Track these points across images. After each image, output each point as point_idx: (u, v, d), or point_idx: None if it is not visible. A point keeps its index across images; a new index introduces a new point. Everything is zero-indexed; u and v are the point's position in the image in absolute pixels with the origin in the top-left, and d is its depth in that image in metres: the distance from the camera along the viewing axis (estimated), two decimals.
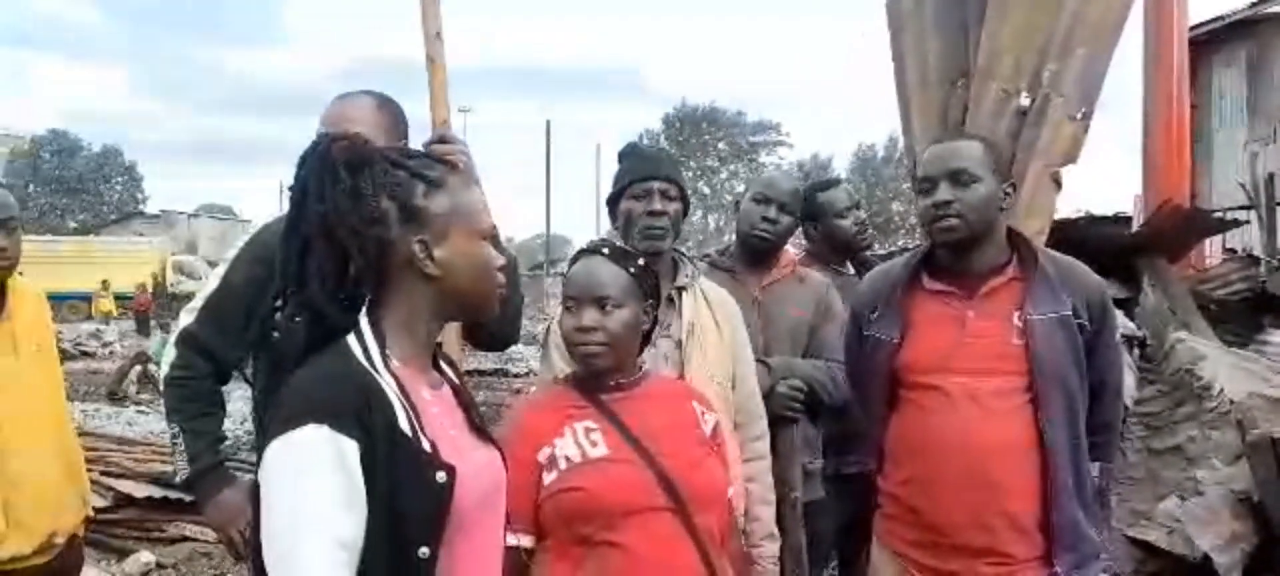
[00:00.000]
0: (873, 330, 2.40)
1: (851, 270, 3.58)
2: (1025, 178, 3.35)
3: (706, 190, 66.20)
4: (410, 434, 1.36)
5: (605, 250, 2.08)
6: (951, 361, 2.24)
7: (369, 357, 1.39)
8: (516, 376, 14.02)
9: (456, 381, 1.61)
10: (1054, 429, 2.17)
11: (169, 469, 6.35)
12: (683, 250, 2.61)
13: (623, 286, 2.02)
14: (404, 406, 1.38)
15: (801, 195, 3.21)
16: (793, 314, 2.96)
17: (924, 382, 2.28)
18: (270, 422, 1.35)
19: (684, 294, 2.48)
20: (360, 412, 1.32)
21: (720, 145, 66.53)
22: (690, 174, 65.40)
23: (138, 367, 13.20)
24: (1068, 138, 3.42)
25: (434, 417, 1.44)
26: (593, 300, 2.00)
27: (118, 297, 27.31)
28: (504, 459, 1.62)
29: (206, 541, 5.78)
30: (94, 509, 5.58)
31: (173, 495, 6.07)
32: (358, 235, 1.40)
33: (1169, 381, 4.97)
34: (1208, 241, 8.06)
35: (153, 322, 23.65)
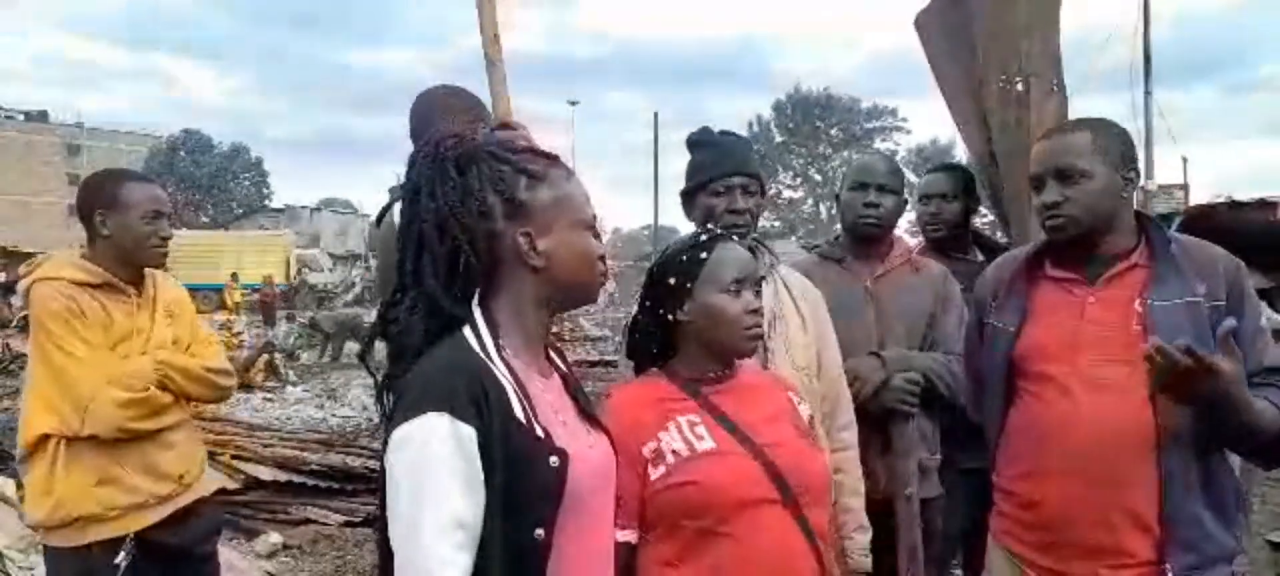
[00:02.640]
0: (993, 318, 2.32)
1: (980, 257, 3.43)
2: (1029, 161, 3.45)
3: (818, 177, 65.35)
4: (524, 420, 1.42)
5: (734, 237, 2.07)
6: (1069, 350, 2.14)
7: (484, 347, 1.45)
8: (610, 364, 14.09)
9: (566, 370, 1.66)
10: (1175, 419, 2.03)
11: (295, 454, 6.65)
12: (761, 238, 2.57)
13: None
14: (518, 394, 1.43)
15: (902, 174, 3.13)
16: (908, 305, 2.88)
17: (1041, 372, 2.19)
18: (394, 410, 1.43)
19: (763, 284, 2.43)
20: (477, 400, 1.38)
21: (833, 132, 65.46)
22: (801, 160, 64.74)
23: (264, 357, 13.79)
24: (1051, 113, 3.53)
25: (546, 404, 1.50)
26: (753, 282, 2.00)
27: (246, 288, 28.55)
28: (614, 445, 1.65)
29: (329, 525, 6.02)
30: (225, 491, 5.95)
31: (297, 479, 6.33)
32: (468, 230, 1.47)
33: None
34: None
35: (279, 314, 24.64)
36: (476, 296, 1.50)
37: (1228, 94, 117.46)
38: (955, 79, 3.80)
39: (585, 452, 1.51)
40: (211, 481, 3.02)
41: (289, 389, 13.15)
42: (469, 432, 1.36)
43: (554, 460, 1.42)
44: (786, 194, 65.01)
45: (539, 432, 1.43)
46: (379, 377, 1.54)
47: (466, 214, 1.47)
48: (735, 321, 1.97)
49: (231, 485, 6.16)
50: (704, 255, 2.01)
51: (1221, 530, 2.08)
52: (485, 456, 1.37)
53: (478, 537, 1.36)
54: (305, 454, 6.70)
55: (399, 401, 1.43)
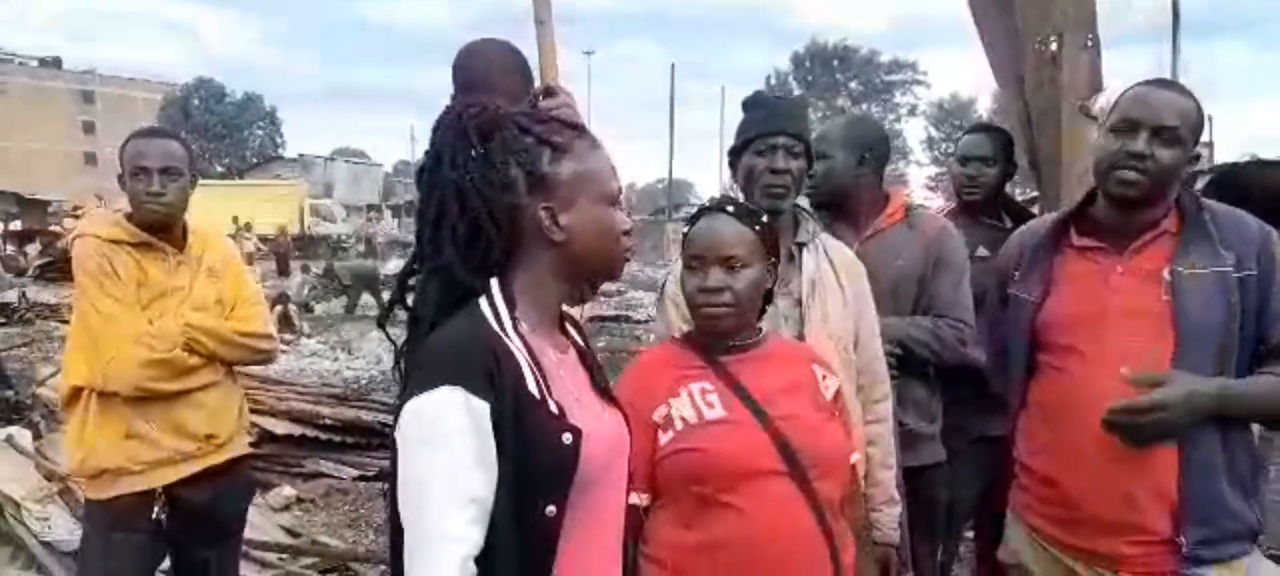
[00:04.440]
0: (1015, 288, 2.27)
1: (1008, 223, 3.34)
2: (1060, 120, 3.56)
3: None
4: (538, 396, 1.40)
5: (730, 208, 2.01)
6: (1094, 322, 2.09)
7: (500, 321, 1.43)
8: (637, 322, 14.12)
9: (582, 344, 1.63)
10: None
11: (309, 408, 6.66)
12: (804, 206, 2.50)
13: (749, 245, 1.96)
14: (532, 369, 1.41)
15: (855, 133, 2.98)
16: (896, 265, 2.77)
17: (1063, 344, 2.14)
18: (406, 383, 1.41)
19: (804, 251, 2.38)
20: (491, 375, 1.36)
21: (852, 84, 64.82)
22: (819, 115, 64.25)
23: (278, 308, 13.79)
24: (1084, 68, 3.56)
25: (561, 380, 1.47)
26: (719, 260, 1.95)
27: (260, 238, 28.65)
28: (628, 421, 1.62)
29: (342, 478, 6.04)
30: None
31: (310, 433, 6.35)
32: (488, 201, 1.43)
33: None
34: None
35: (293, 264, 24.71)
36: (495, 268, 1.47)
37: (1257, 50, 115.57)
38: (999, 41, 3.78)
39: (599, 428, 1.48)
40: (241, 444, 3.02)
41: (304, 341, 13.20)
42: (482, 407, 1.33)
43: (568, 437, 1.40)
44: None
45: (553, 409, 1.40)
46: (398, 344, 1.51)
47: (488, 186, 1.43)
48: (689, 298, 2.00)
49: (247, 438, 6.17)
50: (688, 228, 2.03)
51: (1242, 505, 2.04)
52: (498, 432, 1.34)
53: (489, 513, 1.35)
54: (319, 408, 6.71)
55: (412, 374, 1.41)
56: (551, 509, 1.38)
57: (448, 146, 1.45)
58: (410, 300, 1.51)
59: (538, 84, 2.40)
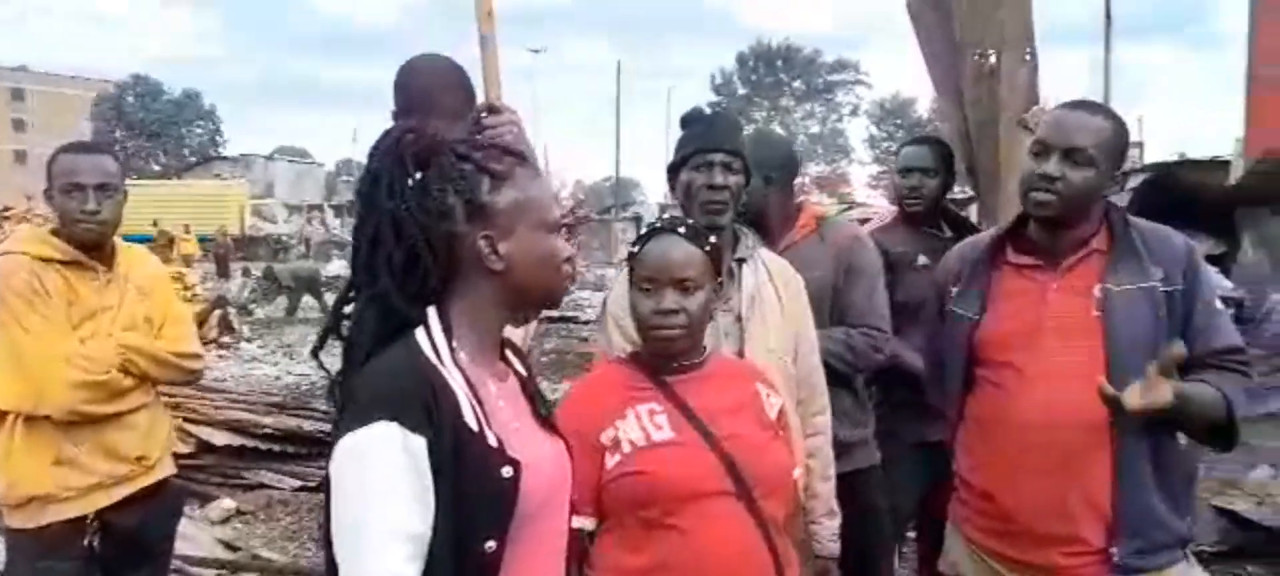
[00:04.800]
0: (953, 305, 2.30)
1: (948, 232, 3.39)
2: (999, 133, 3.62)
3: (781, 131, 65.32)
4: (476, 429, 1.37)
5: (681, 229, 2.00)
6: (1030, 338, 2.13)
7: (437, 352, 1.40)
8: (583, 323, 14.07)
9: (523, 372, 1.61)
10: None
11: (248, 416, 6.52)
12: (741, 221, 2.51)
13: (700, 266, 1.96)
14: (471, 401, 1.38)
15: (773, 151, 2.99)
16: (810, 278, 2.73)
17: (1000, 361, 2.18)
18: (341, 416, 1.38)
19: (744, 266, 2.40)
20: (428, 408, 1.33)
21: (795, 84, 65.38)
22: (763, 114, 64.70)
23: (217, 312, 13.52)
24: (1023, 82, 3.61)
25: (500, 411, 1.45)
26: (672, 281, 1.94)
27: (200, 240, 28.06)
28: (569, 450, 1.61)
29: (284, 489, 5.94)
30: (176, 454, 5.83)
31: (250, 443, 6.22)
32: (425, 230, 1.40)
33: (1266, 345, 4.76)
34: None
35: (234, 266, 24.24)
36: (433, 297, 1.45)
37: (1186, 50, 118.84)
38: (938, 53, 3.81)
39: (539, 460, 1.46)
40: (169, 465, 2.96)
41: (244, 345, 12.96)
42: (418, 443, 1.31)
43: (507, 471, 1.37)
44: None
45: (491, 442, 1.38)
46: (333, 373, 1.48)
47: (425, 214, 1.40)
48: (642, 320, 1.98)
49: (183, 449, 6.03)
50: (637, 248, 2.02)
51: (1172, 516, 2.10)
52: (435, 467, 1.32)
53: (427, 549, 1.32)
54: (258, 417, 6.57)
55: (346, 407, 1.37)
56: (491, 543, 1.36)
57: (384, 172, 1.42)
58: (345, 328, 1.47)
59: (481, 101, 2.36)
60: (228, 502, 5.70)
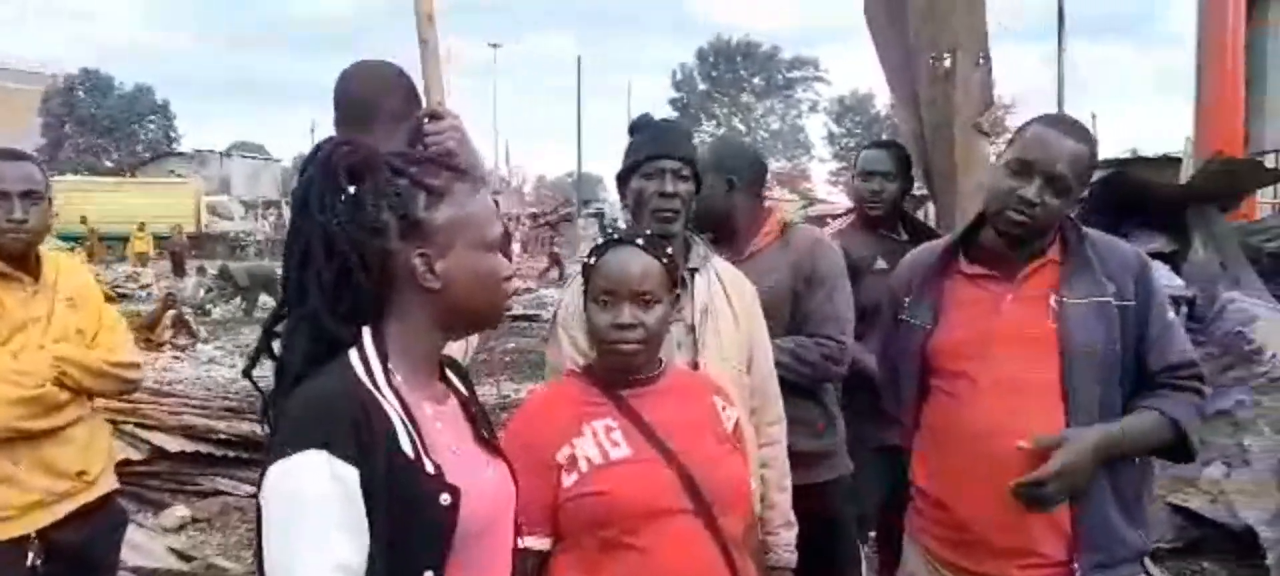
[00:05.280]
0: (906, 314, 2.29)
1: (904, 235, 3.40)
2: (954, 135, 3.63)
3: (741, 127, 65.54)
4: (412, 455, 1.33)
5: (639, 241, 1.97)
6: (983, 348, 2.13)
7: (371, 374, 1.36)
8: (546, 322, 13.98)
9: (464, 392, 1.57)
10: (1083, 419, 2.04)
11: (203, 421, 6.40)
12: (693, 231, 2.50)
13: (658, 279, 1.94)
14: (406, 426, 1.34)
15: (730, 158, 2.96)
16: (767, 287, 2.73)
17: (954, 370, 2.18)
18: (270, 444, 1.33)
19: (696, 276, 2.37)
20: (360, 436, 1.29)
21: (755, 81, 65.60)
22: (724, 110, 64.90)
23: (171, 312, 13.27)
24: (977, 85, 3.64)
25: (438, 434, 1.41)
26: (633, 295, 1.91)
27: (155, 238, 27.56)
28: (513, 472, 1.57)
29: (240, 496, 5.83)
30: (129, 461, 5.71)
31: (205, 449, 6.11)
32: (358, 247, 1.36)
33: (1218, 343, 4.82)
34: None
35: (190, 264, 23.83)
36: (367, 316, 1.40)
37: (1138, 48, 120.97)
38: (893, 57, 3.83)
39: (480, 485, 1.42)
40: (110, 479, 2.87)
41: (200, 347, 12.74)
42: (350, 472, 1.26)
43: (445, 498, 1.33)
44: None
45: (429, 468, 1.33)
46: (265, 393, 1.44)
47: (358, 230, 1.35)
48: (599, 333, 1.95)
49: (136, 455, 5.91)
50: (593, 260, 1.99)
51: (1129, 528, 2.11)
52: (369, 496, 1.27)
53: None
54: (213, 421, 6.45)
55: (276, 434, 1.33)
56: (428, 574, 1.32)
57: (315, 187, 1.37)
58: (277, 347, 1.43)
59: (424, 107, 2.32)
60: (182, 510, 5.59)
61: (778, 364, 2.62)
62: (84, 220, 27.42)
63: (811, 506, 2.65)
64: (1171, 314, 2.16)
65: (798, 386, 2.69)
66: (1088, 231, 2.17)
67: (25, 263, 2.66)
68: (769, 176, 3.47)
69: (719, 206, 2.87)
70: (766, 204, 3.01)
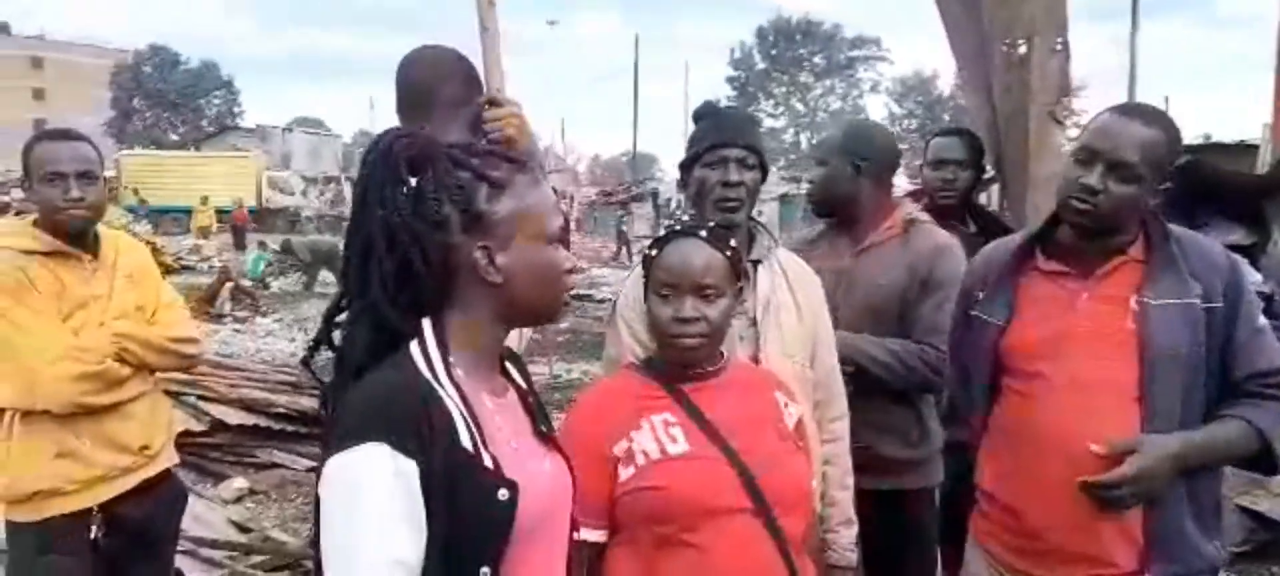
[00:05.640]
0: (980, 310, 2.21)
1: (973, 228, 3.30)
2: (1029, 123, 3.54)
3: (800, 107, 64.92)
4: (472, 449, 1.32)
5: (702, 232, 1.92)
6: (1058, 347, 2.05)
7: (432, 367, 1.34)
8: (599, 302, 14.01)
9: (523, 385, 1.55)
10: (1161, 424, 1.95)
11: (263, 395, 6.51)
12: (759, 220, 2.43)
13: (722, 272, 1.89)
14: (466, 420, 1.33)
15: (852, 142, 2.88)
16: (879, 285, 2.70)
17: (1027, 370, 2.10)
18: (331, 436, 1.32)
19: (759, 267, 2.31)
20: (420, 429, 1.28)
21: (815, 60, 64.80)
22: (783, 89, 64.27)
23: (228, 284, 13.53)
24: (1054, 72, 3.53)
25: (497, 428, 1.39)
26: (695, 288, 1.87)
27: (218, 211, 28.14)
28: (571, 466, 1.55)
29: (297, 469, 5.93)
30: (190, 433, 5.84)
31: (263, 422, 6.22)
32: (419, 240, 1.35)
33: None
34: None
35: (252, 238, 24.30)
36: (428, 308, 1.39)
37: (1213, 29, 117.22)
38: (966, 43, 3.73)
39: (537, 479, 1.41)
40: (171, 454, 2.92)
41: (259, 320, 12.97)
42: (410, 466, 1.25)
43: (503, 493, 1.32)
44: (768, 123, 64.38)
45: (487, 463, 1.32)
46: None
47: (419, 223, 1.34)
48: (660, 327, 1.90)
49: (197, 427, 6.04)
50: (654, 252, 1.94)
51: (1203, 540, 2.02)
52: (428, 490, 1.27)
53: None
54: (272, 395, 6.58)
55: (336, 426, 1.32)
56: (486, 570, 1.31)
57: (376, 181, 1.36)
58: (337, 338, 1.42)
59: (484, 94, 2.30)
60: (240, 482, 5.70)
61: (875, 362, 2.58)
62: (205, 199, 28.09)
63: (896, 513, 2.60)
64: (1262, 319, 2.04)
65: (893, 391, 2.63)
66: (1173, 229, 2.06)
67: (83, 241, 2.71)
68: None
69: (842, 191, 2.82)
70: (894, 196, 2.92)
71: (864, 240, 2.79)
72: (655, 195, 35.21)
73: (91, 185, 2.65)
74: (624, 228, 27.43)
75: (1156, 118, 2.05)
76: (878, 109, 65.83)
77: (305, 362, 1.49)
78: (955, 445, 2.75)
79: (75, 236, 2.68)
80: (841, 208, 2.85)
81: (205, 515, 5.06)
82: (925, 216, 2.85)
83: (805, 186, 3.40)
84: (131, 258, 2.84)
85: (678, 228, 1.97)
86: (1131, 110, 2.08)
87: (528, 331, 2.30)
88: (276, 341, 11.43)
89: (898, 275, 2.69)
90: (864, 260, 2.77)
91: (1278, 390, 2.00)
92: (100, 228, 2.78)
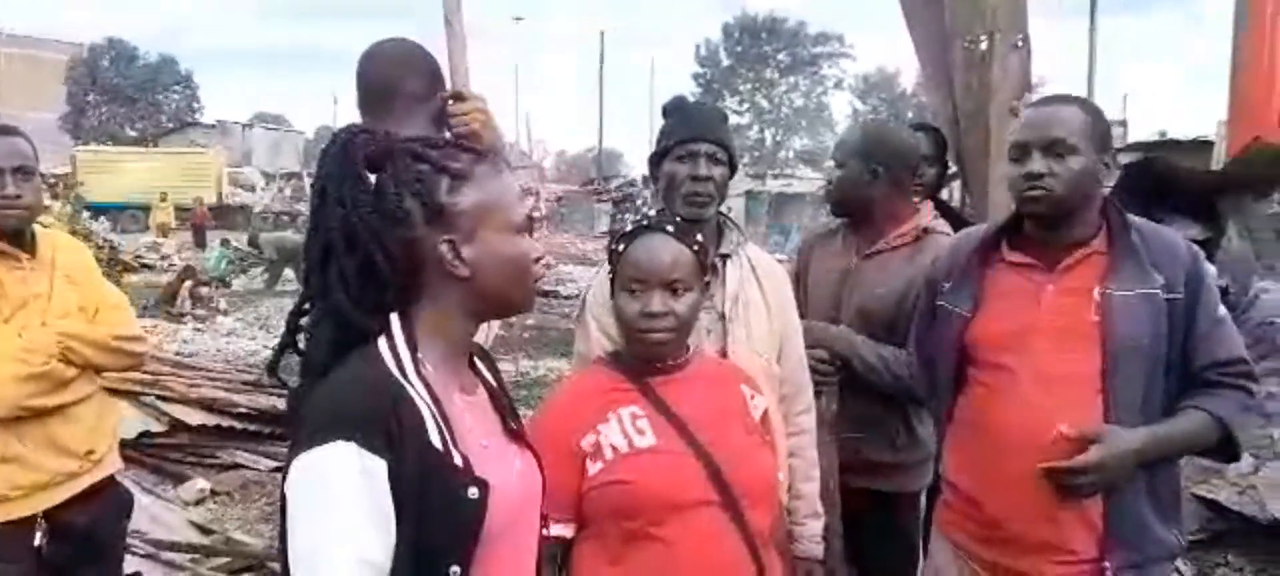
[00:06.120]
0: (945, 300, 2.24)
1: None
2: (990, 120, 3.57)
3: (765, 104, 65.11)
4: (441, 447, 1.30)
5: (669, 227, 1.93)
6: (1023, 339, 2.07)
7: (399, 364, 1.32)
8: (567, 298, 13.98)
9: (493, 382, 1.54)
10: (1124, 415, 1.98)
11: (223, 395, 6.42)
12: (727, 214, 2.44)
13: (689, 267, 1.90)
14: (435, 417, 1.31)
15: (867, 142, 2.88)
16: (881, 288, 2.70)
17: (992, 361, 2.12)
18: (296, 435, 1.30)
19: (728, 262, 2.32)
20: (388, 427, 1.26)
21: (780, 56, 65.04)
22: (748, 86, 64.43)
23: (188, 282, 13.33)
24: (1015, 68, 3.55)
25: (467, 426, 1.37)
26: (663, 283, 1.87)
27: (177, 209, 27.70)
28: (540, 463, 1.54)
29: (258, 470, 5.85)
30: (149, 434, 5.74)
31: (225, 422, 6.13)
32: (380, 237, 1.33)
33: (1250, 333, 4.74)
34: None
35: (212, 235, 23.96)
36: (394, 305, 1.37)
37: (1174, 27, 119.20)
38: (928, 39, 3.74)
39: (507, 477, 1.39)
40: (116, 458, 2.85)
41: (220, 319, 12.79)
42: (377, 464, 1.23)
43: (473, 491, 1.30)
44: (734, 120, 64.47)
45: (457, 460, 1.30)
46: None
47: (380, 220, 1.32)
48: (628, 322, 1.91)
49: (157, 427, 5.95)
50: (622, 248, 1.94)
51: (1163, 529, 2.06)
52: (396, 489, 1.25)
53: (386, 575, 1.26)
54: (233, 395, 6.48)
55: (302, 425, 1.29)
56: (455, 569, 1.29)
57: (333, 178, 1.34)
58: (301, 341, 1.40)
59: (448, 88, 2.28)
60: (201, 483, 5.60)
61: (863, 362, 2.60)
62: (163, 195, 27.58)
63: (880, 514, 2.61)
64: (1222, 309, 2.08)
65: (882, 394, 2.65)
66: (1134, 220, 2.10)
67: (20, 239, 2.63)
68: (790, 150, 3.43)
69: (859, 194, 2.82)
70: (913, 200, 2.91)
71: (874, 244, 2.80)
72: (625, 190, 34.95)
73: (27, 181, 2.57)
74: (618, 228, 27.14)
75: (1072, 99, 2.13)
76: (841, 106, 66.26)
77: (272, 369, 1.45)
78: None
79: (12, 235, 2.59)
80: (857, 209, 2.85)
81: (165, 517, 4.98)
82: (942, 226, 2.84)
83: (770, 182, 3.40)
84: (70, 256, 2.77)
85: (645, 222, 1.97)
86: (1046, 100, 2.18)
87: (495, 327, 2.28)
88: (238, 340, 11.28)
89: (896, 285, 2.69)
90: (869, 264, 2.78)
91: (1237, 379, 2.03)
92: (36, 227, 2.70)
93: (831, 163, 2.91)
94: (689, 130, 2.33)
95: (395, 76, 2.22)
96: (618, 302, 1.94)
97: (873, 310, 2.71)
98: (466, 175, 1.37)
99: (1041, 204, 2.05)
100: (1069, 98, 2.16)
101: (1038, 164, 2.03)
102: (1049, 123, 2.05)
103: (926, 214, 2.86)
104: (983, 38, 3.48)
